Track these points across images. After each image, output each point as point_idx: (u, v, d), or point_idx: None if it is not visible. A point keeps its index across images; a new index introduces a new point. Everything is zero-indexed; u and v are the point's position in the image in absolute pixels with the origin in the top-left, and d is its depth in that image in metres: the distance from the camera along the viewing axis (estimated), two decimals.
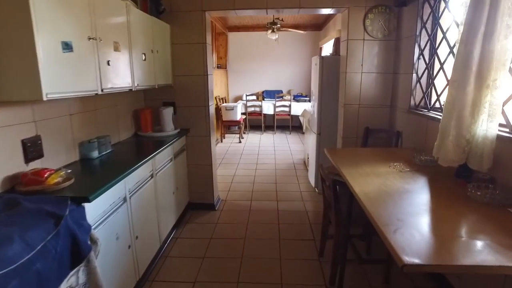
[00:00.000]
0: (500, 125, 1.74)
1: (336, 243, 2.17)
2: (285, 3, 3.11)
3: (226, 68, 8.71)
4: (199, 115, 3.38)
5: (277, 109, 7.76)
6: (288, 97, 7.87)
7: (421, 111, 2.72)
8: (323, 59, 3.68)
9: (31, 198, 1.46)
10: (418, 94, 2.85)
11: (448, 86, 1.97)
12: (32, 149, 1.76)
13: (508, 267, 1.07)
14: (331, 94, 3.66)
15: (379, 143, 3.21)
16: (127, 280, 2.06)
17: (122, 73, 2.28)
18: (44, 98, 1.47)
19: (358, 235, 2.62)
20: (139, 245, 2.21)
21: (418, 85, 2.83)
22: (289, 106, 7.68)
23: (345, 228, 2.21)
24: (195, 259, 2.63)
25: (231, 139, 7.42)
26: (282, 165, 5.31)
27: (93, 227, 1.62)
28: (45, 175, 1.64)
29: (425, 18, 2.72)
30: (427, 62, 2.72)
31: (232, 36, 8.68)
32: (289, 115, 7.77)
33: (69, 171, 1.78)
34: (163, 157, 2.70)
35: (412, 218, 1.41)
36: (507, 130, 1.76)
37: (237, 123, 7.27)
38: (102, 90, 1.99)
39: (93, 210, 1.65)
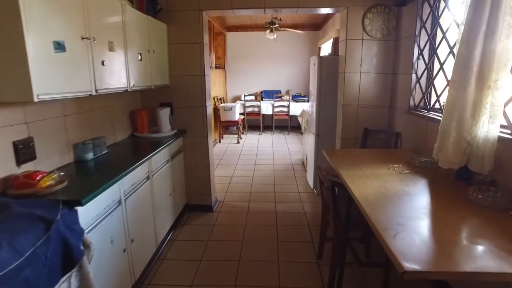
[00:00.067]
0: (502, 126, 1.71)
1: (335, 246, 2.14)
2: (283, 3, 3.08)
3: (224, 68, 8.67)
4: (196, 116, 3.34)
5: (276, 109, 7.72)
6: (286, 97, 7.84)
7: (421, 111, 2.69)
8: (321, 59, 3.65)
9: (22, 202, 1.43)
10: (417, 95, 2.82)
11: (448, 87, 1.94)
12: (24, 151, 1.72)
13: (511, 274, 1.04)
14: (330, 95, 3.63)
15: (378, 144, 3.18)
16: (122, 284, 2.02)
17: (117, 73, 2.24)
18: (35, 99, 1.43)
19: (357, 238, 2.59)
20: (134, 248, 2.17)
21: (417, 85, 2.80)
22: (288, 106, 7.65)
23: (344, 230, 2.17)
24: (192, 262, 2.59)
25: (229, 140, 7.38)
26: (280, 166, 5.28)
27: (86, 231, 1.59)
28: (37, 178, 1.60)
29: (424, 17, 2.69)
30: (427, 62, 2.69)
31: (231, 36, 8.64)
32: (287, 115, 7.74)
33: (62, 173, 1.74)
34: (159, 159, 2.67)
35: (412, 222, 1.38)
36: (509, 131, 1.73)
37: (235, 123, 7.23)
38: (96, 91, 1.95)
39: (87, 213, 1.61)
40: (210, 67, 6.82)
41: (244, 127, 8.05)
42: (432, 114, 2.52)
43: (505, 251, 1.14)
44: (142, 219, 2.34)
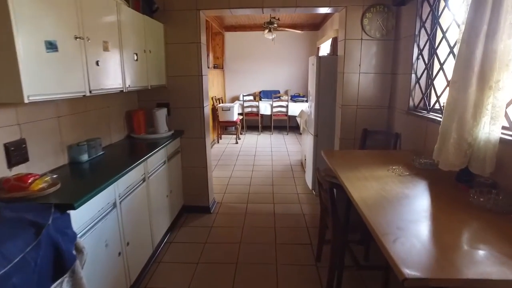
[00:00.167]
0: (503, 127, 1.67)
1: (333, 248, 2.11)
2: (281, 2, 3.05)
3: (223, 68, 8.63)
4: (193, 116, 3.31)
5: (274, 110, 7.69)
6: (285, 97, 7.80)
7: (420, 112, 2.66)
8: (320, 59, 3.62)
9: (12, 206, 1.39)
10: (417, 95, 2.79)
11: (448, 87, 1.91)
12: (16, 153, 1.68)
13: None
14: (329, 95, 3.60)
15: (377, 145, 3.15)
16: None
17: (112, 73, 2.20)
18: (26, 101, 1.39)
19: (356, 240, 2.56)
20: (130, 251, 2.13)
21: (417, 85, 2.77)
22: (287, 107, 7.61)
23: (343, 233, 2.14)
24: (189, 265, 2.56)
25: (227, 140, 7.35)
26: (279, 167, 5.25)
27: (79, 235, 1.55)
28: (29, 181, 1.56)
29: (424, 17, 2.66)
30: (427, 63, 2.66)
31: (229, 36, 8.60)
32: (286, 115, 7.71)
33: (55, 176, 1.70)
34: (156, 160, 2.63)
35: (412, 226, 1.35)
36: (510, 133, 1.70)
37: (233, 123, 7.20)
38: (90, 92, 1.92)
39: (80, 217, 1.58)
40: (208, 67, 6.80)
41: (242, 128, 8.01)
42: (432, 115, 2.49)
43: (508, 257, 1.11)
44: (138, 222, 2.30)
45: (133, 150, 2.74)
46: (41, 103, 1.83)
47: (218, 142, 7.15)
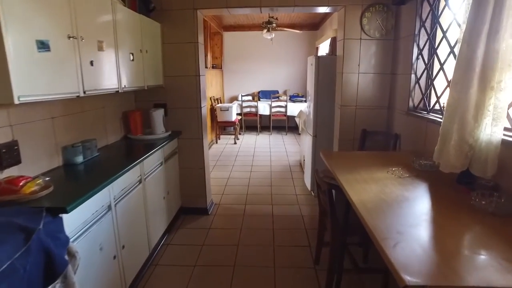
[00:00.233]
0: (505, 129, 1.64)
1: (332, 251, 2.07)
2: (279, 1, 3.01)
3: (221, 68, 8.59)
4: (191, 117, 3.27)
5: (273, 110, 7.66)
6: (284, 97, 7.77)
7: (420, 113, 2.63)
8: (319, 59, 3.58)
9: (2, 210, 1.35)
10: (417, 96, 2.75)
11: (449, 88, 1.88)
12: (7, 155, 1.64)
13: None
14: (327, 95, 3.57)
15: (376, 145, 3.11)
16: None
17: (107, 74, 2.17)
18: (16, 102, 1.36)
19: (355, 243, 2.53)
20: (126, 254, 2.10)
21: (417, 86, 2.74)
22: (285, 107, 7.58)
23: (342, 236, 2.11)
24: (186, 267, 2.52)
25: (226, 140, 7.31)
26: (277, 167, 5.21)
27: (72, 239, 1.52)
28: (20, 184, 1.53)
29: (424, 16, 2.63)
30: (426, 63, 2.63)
31: (228, 36, 8.57)
32: (285, 115, 7.68)
33: (47, 178, 1.66)
34: (152, 161, 2.59)
35: (412, 230, 1.32)
36: None
37: (232, 124, 7.16)
38: (84, 92, 1.88)
39: (73, 220, 1.54)
40: (207, 67, 6.77)
41: (241, 128, 7.98)
42: (432, 116, 2.46)
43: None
44: (134, 224, 2.27)
45: (129, 151, 2.70)
46: (33, 104, 1.80)
47: (216, 143, 7.11)
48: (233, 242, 2.90)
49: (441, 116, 2.27)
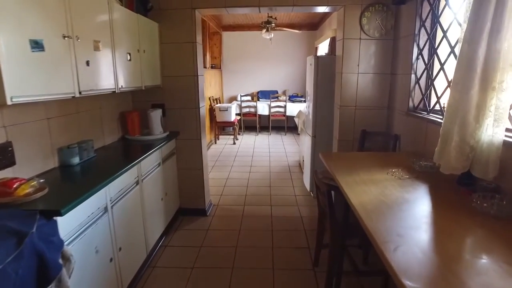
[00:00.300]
0: (507, 130, 1.61)
1: (331, 253, 2.05)
2: (278, 1, 2.99)
3: (220, 68, 8.57)
4: (189, 117, 3.24)
5: (272, 110, 7.63)
6: (283, 97, 7.75)
7: (420, 113, 2.61)
8: (318, 59, 3.56)
9: None
10: (417, 96, 2.73)
11: (450, 88, 1.85)
12: (1, 156, 1.62)
13: None
14: (327, 95, 3.54)
15: (376, 146, 3.09)
16: None
17: (104, 74, 2.14)
18: (9, 103, 1.33)
19: (355, 245, 2.50)
20: (122, 256, 2.07)
21: (417, 86, 2.72)
22: (284, 107, 7.56)
23: (341, 237, 2.09)
24: (184, 270, 2.50)
25: (225, 141, 7.28)
26: (276, 168, 5.19)
27: (67, 242, 1.49)
28: (14, 186, 1.50)
29: (424, 16, 2.60)
30: (427, 63, 2.61)
31: (227, 36, 8.54)
32: (284, 116, 7.65)
33: (42, 180, 1.63)
34: (150, 162, 2.57)
35: (413, 233, 1.29)
36: None
37: (231, 124, 7.13)
38: (80, 93, 1.85)
39: (68, 223, 1.52)
40: (206, 67, 6.74)
41: (240, 128, 7.95)
42: (432, 116, 2.44)
43: None
44: (131, 226, 2.24)
45: (126, 152, 2.68)
46: (28, 104, 1.77)
47: (215, 143, 7.09)
48: (231, 243, 2.87)
49: (441, 117, 2.24)
